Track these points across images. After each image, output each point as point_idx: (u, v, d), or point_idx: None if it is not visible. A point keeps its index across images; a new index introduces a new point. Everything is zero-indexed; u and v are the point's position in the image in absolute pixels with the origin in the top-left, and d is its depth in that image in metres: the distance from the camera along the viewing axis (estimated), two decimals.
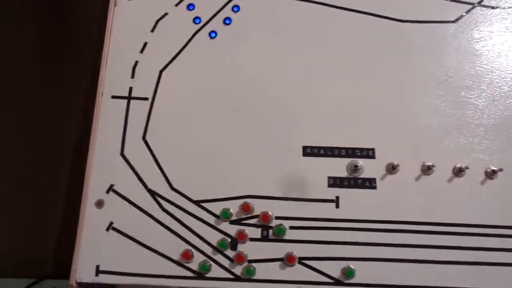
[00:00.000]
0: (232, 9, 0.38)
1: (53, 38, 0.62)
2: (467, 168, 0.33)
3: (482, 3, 0.38)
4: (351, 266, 0.32)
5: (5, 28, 0.54)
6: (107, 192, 0.34)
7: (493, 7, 0.38)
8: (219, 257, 0.32)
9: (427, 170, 0.34)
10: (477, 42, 0.37)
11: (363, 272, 0.32)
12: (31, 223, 0.59)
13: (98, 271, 0.32)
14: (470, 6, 0.38)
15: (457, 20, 0.38)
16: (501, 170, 0.33)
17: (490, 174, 0.33)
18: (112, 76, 0.36)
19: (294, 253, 0.32)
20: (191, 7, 0.38)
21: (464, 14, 0.38)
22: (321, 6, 0.38)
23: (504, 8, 0.38)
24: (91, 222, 0.33)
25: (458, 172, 0.34)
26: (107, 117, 0.35)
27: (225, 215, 0.33)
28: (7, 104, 0.54)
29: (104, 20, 0.40)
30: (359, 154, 0.34)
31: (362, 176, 0.34)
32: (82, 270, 0.32)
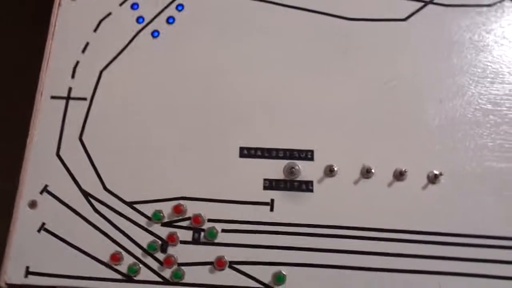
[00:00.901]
0: (176, 8, 0.38)
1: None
2: (406, 171, 0.32)
3: (434, 1, 0.36)
4: (283, 272, 0.31)
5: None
6: (41, 192, 0.33)
7: (445, 5, 0.36)
8: (148, 260, 0.32)
9: (366, 173, 0.33)
10: (428, 41, 0.36)
11: (295, 278, 0.31)
12: None
13: (27, 272, 0.32)
14: (422, 4, 0.37)
15: (407, 18, 0.36)
16: (441, 174, 0.32)
17: (432, 179, 0.32)
18: (53, 77, 0.36)
19: (225, 257, 0.31)
20: (135, 7, 0.38)
21: (415, 12, 0.36)
22: (267, 4, 0.37)
23: (456, 5, 0.36)
24: (23, 223, 0.33)
25: (399, 175, 0.32)
26: (45, 117, 0.35)
27: (156, 217, 0.32)
28: None
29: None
30: (297, 156, 0.34)
31: (299, 178, 0.33)
32: (12, 271, 0.32)
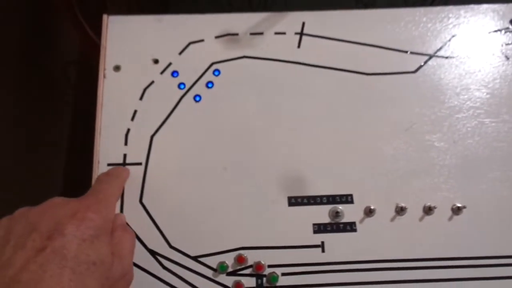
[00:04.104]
0: (213, 73, 0.41)
1: (31, 84, 0.64)
2: (435, 207, 0.37)
3: (437, 54, 0.42)
4: None
5: None
6: None
7: (446, 57, 0.42)
8: None
9: (400, 211, 0.37)
10: (436, 89, 0.41)
11: None
12: None
13: None
14: (427, 57, 0.42)
15: (416, 70, 0.42)
16: (464, 207, 0.37)
17: (456, 211, 0.37)
18: (107, 145, 0.39)
19: None
20: (175, 74, 0.41)
21: (422, 64, 0.42)
22: (296, 65, 0.42)
23: (455, 57, 0.42)
24: None
25: (428, 210, 0.37)
26: None
27: (222, 268, 0.36)
28: None
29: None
30: (338, 200, 0.38)
31: (343, 220, 0.37)
32: None
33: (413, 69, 0.42)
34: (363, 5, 0.63)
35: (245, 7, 0.60)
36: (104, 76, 0.41)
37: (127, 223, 0.36)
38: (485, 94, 0.41)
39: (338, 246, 0.37)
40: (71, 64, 0.70)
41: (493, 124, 0.40)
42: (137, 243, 0.36)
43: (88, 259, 0.27)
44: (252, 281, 0.36)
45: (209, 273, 0.36)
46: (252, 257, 0.36)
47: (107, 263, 0.28)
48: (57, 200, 0.30)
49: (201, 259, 0.36)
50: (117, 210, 0.37)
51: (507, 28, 0.44)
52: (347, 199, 0.38)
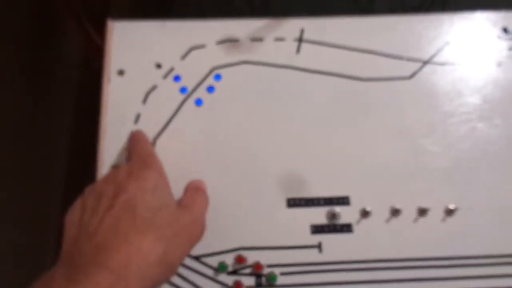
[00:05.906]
0: (214, 78, 0.43)
1: (32, 86, 0.65)
2: (428, 209, 0.38)
3: (431, 61, 0.44)
4: None
5: None
6: None
7: (440, 64, 0.44)
8: None
9: (395, 212, 0.39)
10: (430, 95, 0.43)
11: None
12: None
13: None
14: (422, 64, 0.44)
15: (411, 76, 0.43)
16: (457, 209, 0.38)
17: (449, 212, 0.39)
18: (111, 148, 0.40)
19: None
20: (177, 79, 0.42)
21: (417, 70, 0.43)
22: (294, 70, 0.43)
23: (449, 64, 0.44)
24: None
25: (422, 212, 0.39)
26: None
27: (222, 268, 0.37)
28: None
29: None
30: (335, 202, 0.39)
31: (340, 222, 0.39)
32: None
33: (408, 75, 0.43)
34: (359, 10, 0.65)
35: (246, 9, 0.61)
36: (109, 81, 0.42)
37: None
38: (477, 99, 0.42)
39: (335, 246, 0.38)
40: (75, 67, 0.71)
41: (485, 128, 0.41)
42: None
43: (154, 205, 0.32)
44: (251, 281, 0.37)
45: (209, 272, 0.37)
46: (251, 257, 0.38)
47: (172, 206, 0.34)
48: (113, 170, 0.36)
49: (202, 259, 0.37)
50: None
51: (499, 35, 0.45)
52: (343, 201, 0.39)
